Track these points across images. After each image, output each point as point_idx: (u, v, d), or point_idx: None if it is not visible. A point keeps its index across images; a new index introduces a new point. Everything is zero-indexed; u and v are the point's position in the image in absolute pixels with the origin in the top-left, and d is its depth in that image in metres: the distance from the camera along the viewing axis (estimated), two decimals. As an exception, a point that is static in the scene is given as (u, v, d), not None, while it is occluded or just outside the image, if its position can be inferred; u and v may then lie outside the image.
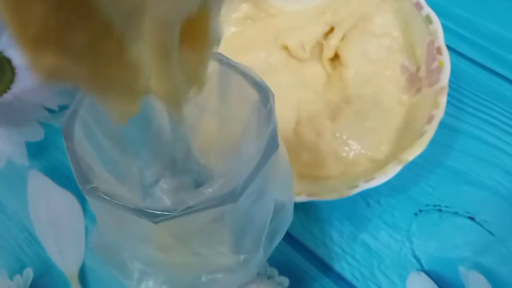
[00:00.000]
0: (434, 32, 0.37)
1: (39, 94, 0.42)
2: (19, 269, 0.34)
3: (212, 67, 0.21)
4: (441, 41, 0.37)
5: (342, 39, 0.40)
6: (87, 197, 0.18)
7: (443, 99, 0.34)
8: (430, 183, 0.36)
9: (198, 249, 0.20)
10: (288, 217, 0.23)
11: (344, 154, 0.35)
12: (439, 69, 0.36)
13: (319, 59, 0.41)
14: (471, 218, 0.35)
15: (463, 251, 0.34)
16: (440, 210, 0.35)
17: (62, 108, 0.42)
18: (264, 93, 0.20)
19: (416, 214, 0.35)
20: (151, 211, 0.17)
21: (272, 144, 0.19)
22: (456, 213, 0.35)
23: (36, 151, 0.39)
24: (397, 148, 0.34)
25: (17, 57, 0.44)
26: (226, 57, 0.21)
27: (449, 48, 0.38)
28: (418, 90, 0.37)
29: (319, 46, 0.41)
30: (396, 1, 0.39)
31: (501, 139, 0.39)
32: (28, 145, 0.40)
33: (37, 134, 0.40)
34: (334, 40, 0.40)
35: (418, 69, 0.38)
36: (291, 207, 0.24)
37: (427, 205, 0.36)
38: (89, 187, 0.18)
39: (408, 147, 0.32)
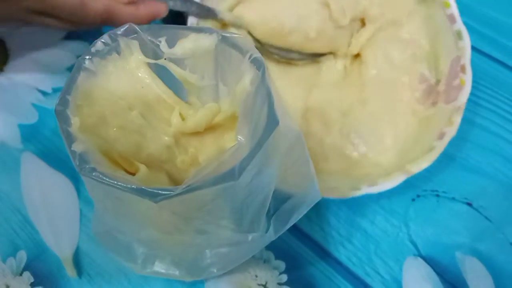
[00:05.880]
0: (462, 49, 0.36)
1: (32, 76, 0.42)
2: (13, 252, 0.33)
3: (210, 43, 0.21)
4: (467, 59, 0.36)
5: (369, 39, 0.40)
6: (84, 180, 0.18)
7: (458, 119, 0.34)
8: (428, 168, 0.36)
9: (201, 226, 0.20)
10: (310, 198, 0.23)
11: (347, 152, 0.35)
12: (459, 87, 0.35)
13: (341, 56, 0.40)
14: (469, 204, 0.35)
15: (460, 236, 0.34)
16: (437, 196, 0.35)
17: (56, 90, 0.41)
18: (261, 70, 0.20)
19: (413, 199, 0.35)
20: (152, 190, 0.16)
21: (271, 121, 0.18)
22: (453, 198, 0.35)
23: (29, 133, 0.39)
24: (402, 158, 0.34)
25: (11, 38, 0.43)
26: (225, 32, 0.21)
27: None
28: (434, 103, 0.36)
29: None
30: (429, 8, 0.39)
31: (502, 126, 0.39)
32: (21, 127, 0.39)
33: (30, 116, 0.40)
34: (364, 36, 0.39)
35: (438, 82, 0.37)
36: (313, 188, 0.23)
37: (425, 190, 0.35)
38: (86, 167, 0.17)
39: (415, 159, 0.32)
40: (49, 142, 0.38)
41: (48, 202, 0.35)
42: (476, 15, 0.46)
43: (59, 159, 0.37)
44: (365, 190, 0.31)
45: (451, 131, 0.33)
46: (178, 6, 0.36)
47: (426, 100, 0.37)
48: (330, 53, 0.40)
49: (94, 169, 0.17)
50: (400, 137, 0.36)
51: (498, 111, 0.40)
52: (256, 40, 0.38)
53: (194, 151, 0.22)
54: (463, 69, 0.36)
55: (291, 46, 0.38)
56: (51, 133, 0.39)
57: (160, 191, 0.16)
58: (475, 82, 0.41)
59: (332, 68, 0.40)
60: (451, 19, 0.37)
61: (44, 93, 0.41)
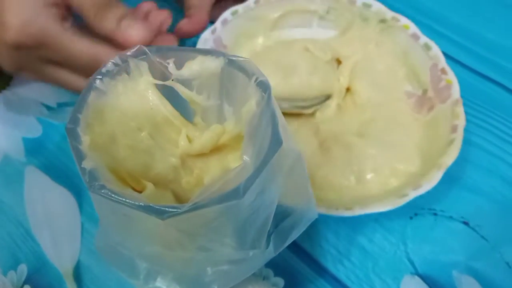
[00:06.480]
0: (435, 57, 0.39)
1: (37, 91, 0.42)
2: (14, 265, 0.34)
3: (217, 65, 0.22)
4: (443, 63, 0.38)
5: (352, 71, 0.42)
6: (92, 196, 0.18)
7: (461, 109, 0.36)
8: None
9: (205, 244, 0.20)
10: (307, 217, 0.23)
11: (379, 168, 0.36)
12: (448, 86, 0.37)
13: (336, 95, 0.41)
14: (465, 223, 0.35)
15: (456, 255, 0.34)
16: (435, 214, 0.36)
17: (61, 105, 0.42)
18: (267, 92, 0.20)
19: (411, 218, 0.36)
20: (159, 207, 0.17)
21: (275, 141, 0.19)
22: (451, 217, 0.36)
23: (33, 147, 0.39)
24: (427, 160, 0.35)
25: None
26: (231, 55, 0.22)
27: (447, 56, 0.39)
28: (430, 108, 0.38)
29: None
30: (391, 34, 0.42)
31: (499, 147, 0.39)
32: (25, 141, 0.40)
33: (34, 130, 0.40)
34: (345, 71, 0.42)
35: (425, 91, 0.39)
36: (311, 206, 0.24)
37: (423, 209, 0.36)
38: (96, 184, 0.18)
39: (443, 154, 0.34)
40: (53, 156, 0.39)
41: (50, 216, 0.36)
42: (471, 36, 0.47)
43: (62, 173, 0.38)
44: (412, 194, 0.32)
45: (461, 122, 0.35)
46: None
47: (421, 109, 0.39)
48: (328, 97, 0.41)
49: (103, 186, 0.18)
50: (416, 143, 0.37)
51: (494, 130, 0.41)
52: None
53: (199, 172, 0.23)
54: (443, 71, 0.38)
55: (296, 92, 0.39)
56: (54, 147, 0.39)
57: (167, 209, 0.17)
58: (471, 101, 0.42)
59: (326, 109, 0.41)
60: (415, 37, 0.40)
61: (48, 108, 0.42)
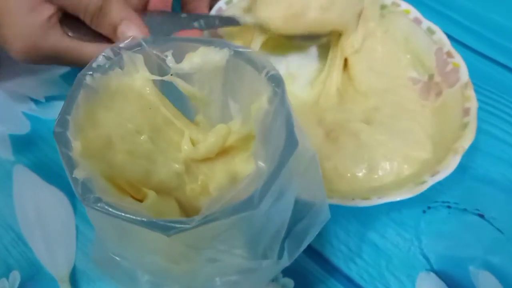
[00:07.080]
0: (439, 41, 0.38)
1: (24, 84, 0.40)
2: (5, 272, 0.32)
3: (221, 58, 0.19)
4: (448, 46, 0.37)
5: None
6: (86, 208, 0.16)
7: (472, 92, 0.34)
8: (439, 179, 0.35)
9: (213, 256, 0.18)
10: (321, 218, 0.22)
11: (391, 155, 0.35)
12: (455, 69, 0.36)
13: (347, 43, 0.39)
14: (480, 215, 0.34)
15: (472, 249, 0.32)
16: (448, 207, 0.34)
17: (49, 99, 0.40)
18: (281, 88, 0.18)
19: (424, 211, 0.34)
20: (164, 223, 0.15)
21: (291, 142, 0.17)
22: (465, 210, 0.34)
23: (21, 144, 0.37)
24: (440, 145, 0.34)
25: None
26: (237, 46, 0.19)
27: (452, 39, 0.37)
28: (439, 94, 0.37)
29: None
30: (393, 22, 0.40)
31: (510, 134, 0.38)
32: (12, 138, 0.38)
33: (22, 127, 0.38)
34: (360, 32, 0.39)
35: (431, 76, 0.38)
36: (325, 207, 0.22)
37: (436, 202, 0.34)
38: (91, 197, 0.15)
39: (458, 138, 0.32)
40: (42, 154, 0.37)
41: (43, 218, 0.34)
42: (481, 20, 0.45)
43: (53, 172, 0.36)
44: (431, 181, 0.30)
45: (473, 104, 0.34)
46: (203, 26, 0.36)
47: (428, 96, 0.38)
48: (339, 35, 0.39)
49: (99, 199, 0.15)
50: (427, 129, 0.36)
51: (505, 117, 0.39)
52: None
53: (204, 179, 0.21)
54: (449, 54, 0.37)
55: (311, 27, 0.37)
56: (44, 145, 0.37)
57: (173, 224, 0.15)
58: (480, 87, 0.40)
59: (327, 93, 0.39)
60: (417, 21, 0.39)
61: (36, 102, 0.40)
